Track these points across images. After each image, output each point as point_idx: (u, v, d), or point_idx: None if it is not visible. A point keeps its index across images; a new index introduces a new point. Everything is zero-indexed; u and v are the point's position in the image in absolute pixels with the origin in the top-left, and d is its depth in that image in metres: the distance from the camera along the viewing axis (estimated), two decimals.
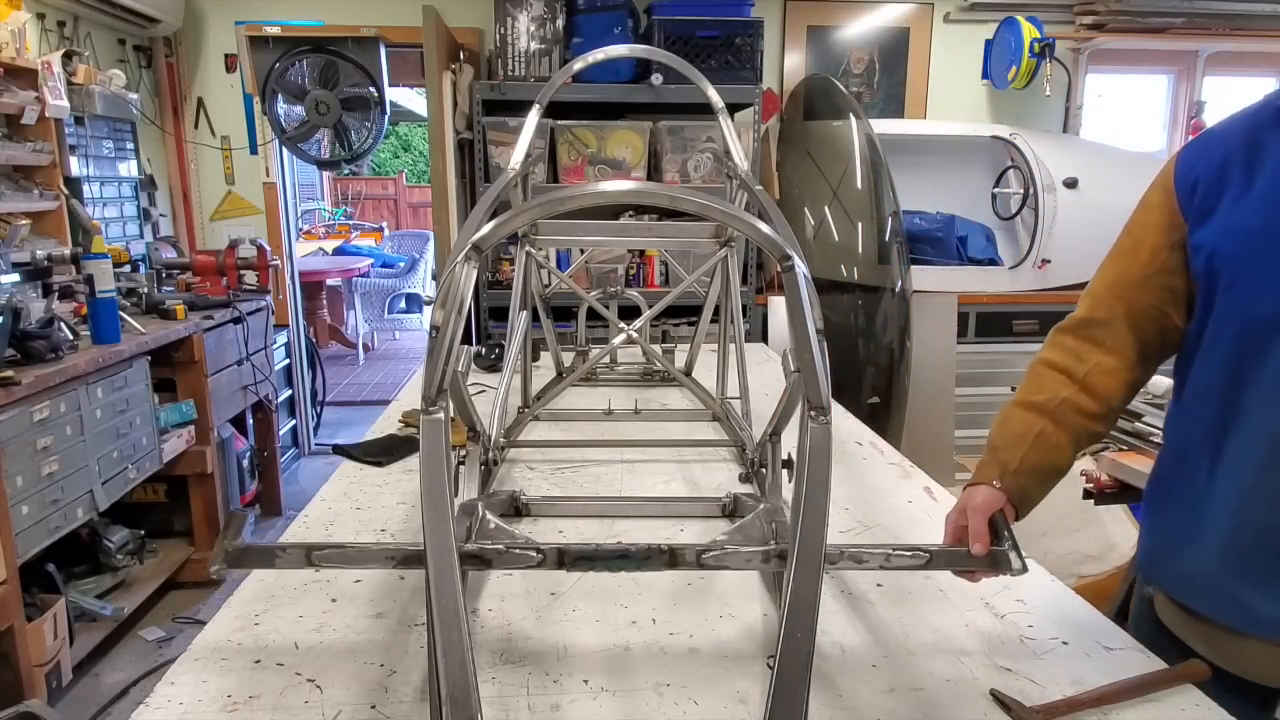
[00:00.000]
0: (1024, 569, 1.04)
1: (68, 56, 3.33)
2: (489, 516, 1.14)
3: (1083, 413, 1.14)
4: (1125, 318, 1.14)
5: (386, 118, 4.27)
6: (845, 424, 2.14)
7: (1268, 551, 1.07)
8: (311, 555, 1.04)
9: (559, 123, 3.59)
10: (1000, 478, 1.13)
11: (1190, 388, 1.14)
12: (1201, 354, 1.11)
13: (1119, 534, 2.45)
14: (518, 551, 1.03)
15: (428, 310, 7.19)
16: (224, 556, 1.04)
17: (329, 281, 7.45)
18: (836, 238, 3.80)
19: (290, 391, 4.64)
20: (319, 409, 5.13)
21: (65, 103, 3.23)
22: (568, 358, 2.50)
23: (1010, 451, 1.14)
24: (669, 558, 1.02)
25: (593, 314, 2.32)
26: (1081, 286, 1.24)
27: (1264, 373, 1.03)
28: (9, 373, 2.23)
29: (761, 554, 1.05)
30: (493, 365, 2.57)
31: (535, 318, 2.20)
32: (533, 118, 2.10)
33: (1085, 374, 1.14)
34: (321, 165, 4.62)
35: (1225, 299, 1.06)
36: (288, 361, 4.56)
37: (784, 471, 1.45)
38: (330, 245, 8.30)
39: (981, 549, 1.04)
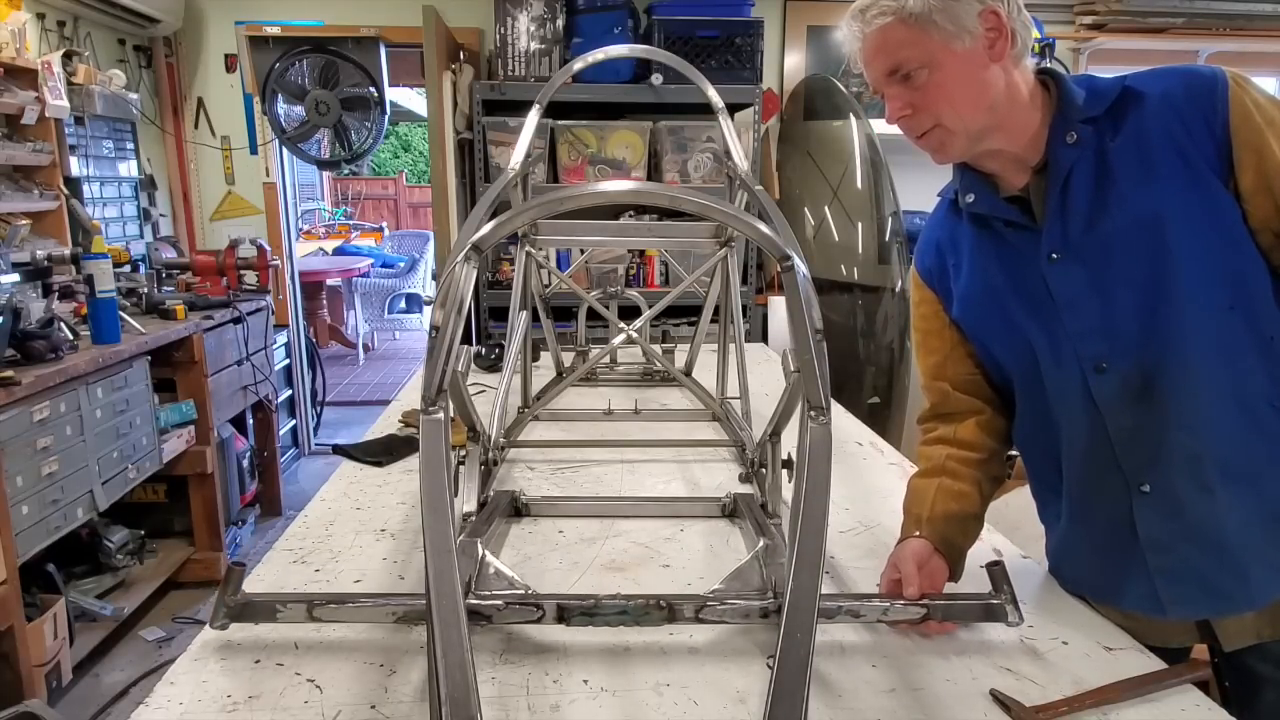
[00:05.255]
0: (1020, 621, 1.08)
1: (68, 56, 3.33)
2: (490, 559, 1.15)
3: (969, 463, 1.23)
4: (954, 391, 1.27)
5: (386, 118, 4.27)
6: (845, 424, 2.14)
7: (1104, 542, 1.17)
8: (313, 610, 1.06)
9: (559, 123, 3.59)
10: (919, 528, 1.19)
11: (1019, 425, 1.25)
12: (1017, 395, 1.23)
13: None
14: (518, 607, 1.06)
15: (428, 310, 7.18)
16: (225, 611, 1.05)
17: (329, 281, 7.44)
18: (836, 238, 3.79)
19: (290, 391, 4.64)
20: (319, 409, 5.12)
21: (65, 103, 3.23)
22: (568, 358, 2.50)
23: (920, 506, 1.21)
24: (667, 613, 1.05)
25: (593, 314, 2.32)
26: None
27: (1049, 400, 1.16)
28: (9, 373, 2.23)
29: (759, 609, 1.07)
30: (493, 365, 2.57)
31: (535, 318, 2.20)
32: (533, 118, 2.11)
33: (954, 435, 1.26)
34: (321, 165, 4.61)
35: (986, 354, 1.23)
36: (288, 361, 4.56)
37: (784, 471, 1.45)
38: (330, 245, 8.30)
39: (915, 593, 1.09)
